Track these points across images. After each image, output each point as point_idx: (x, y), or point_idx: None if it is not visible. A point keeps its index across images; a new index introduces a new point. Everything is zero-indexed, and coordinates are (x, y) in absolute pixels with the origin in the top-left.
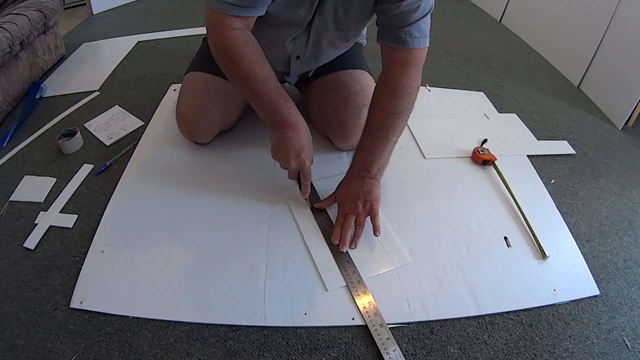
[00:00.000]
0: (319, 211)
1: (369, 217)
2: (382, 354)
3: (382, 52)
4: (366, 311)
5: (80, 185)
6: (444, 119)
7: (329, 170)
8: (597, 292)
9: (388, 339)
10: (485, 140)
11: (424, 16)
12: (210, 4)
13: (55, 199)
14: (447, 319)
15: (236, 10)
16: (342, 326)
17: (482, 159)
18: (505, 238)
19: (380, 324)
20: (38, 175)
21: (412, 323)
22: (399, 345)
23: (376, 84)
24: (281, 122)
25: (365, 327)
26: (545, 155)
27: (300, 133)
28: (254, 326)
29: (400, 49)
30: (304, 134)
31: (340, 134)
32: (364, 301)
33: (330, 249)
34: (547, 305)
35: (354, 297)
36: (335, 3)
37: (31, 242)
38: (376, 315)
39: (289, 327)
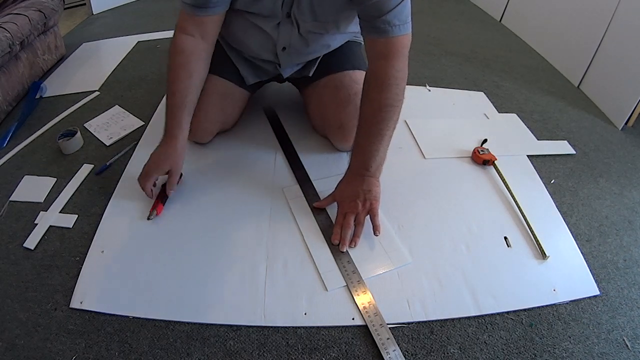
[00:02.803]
0: (319, 211)
1: (368, 216)
2: (382, 354)
3: (365, 45)
4: (366, 311)
5: (80, 185)
6: (444, 119)
7: (329, 171)
8: (597, 292)
9: (388, 339)
10: (485, 140)
11: (400, 2)
12: (181, 6)
13: (55, 199)
14: (447, 319)
15: (191, 9)
16: (342, 326)
17: (482, 159)
18: (505, 238)
19: (380, 324)
20: (38, 175)
21: (412, 323)
22: (399, 345)
23: (364, 79)
24: (166, 130)
25: (365, 327)
26: (545, 155)
27: (171, 146)
28: (254, 326)
29: (381, 39)
30: (169, 150)
31: (339, 134)
32: (364, 301)
33: (330, 248)
34: (547, 305)
35: (354, 297)
36: None
37: (31, 242)
38: (376, 315)
39: (289, 327)
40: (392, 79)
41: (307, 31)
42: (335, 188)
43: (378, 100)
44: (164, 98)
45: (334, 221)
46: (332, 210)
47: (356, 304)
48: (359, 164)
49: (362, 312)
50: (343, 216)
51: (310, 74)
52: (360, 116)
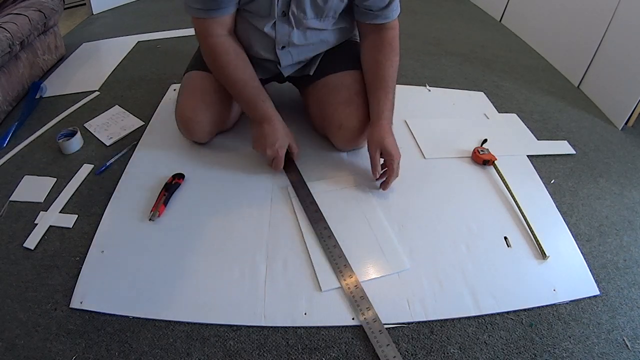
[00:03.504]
0: (312, 210)
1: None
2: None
3: (363, 25)
4: (364, 318)
5: (80, 185)
6: (444, 119)
7: (329, 171)
8: (597, 292)
9: (388, 345)
10: (485, 140)
11: None
12: (188, 12)
13: (55, 199)
14: (447, 319)
15: (205, 13)
16: (342, 326)
17: (482, 159)
18: (505, 238)
19: (380, 330)
20: (38, 175)
21: (412, 323)
22: (398, 345)
23: (374, 48)
24: (259, 117)
25: None
26: (545, 155)
27: (275, 126)
28: (254, 326)
29: (389, 22)
30: (279, 127)
31: (340, 135)
32: (362, 307)
33: (325, 250)
34: (547, 305)
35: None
36: None
37: (31, 242)
38: (375, 321)
39: (289, 327)
40: (398, 45)
41: (306, 28)
42: (376, 140)
43: (397, 62)
44: (164, 97)
45: (325, 216)
46: (326, 208)
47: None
48: (388, 118)
49: (361, 320)
50: (396, 164)
51: (311, 73)
52: (383, 78)
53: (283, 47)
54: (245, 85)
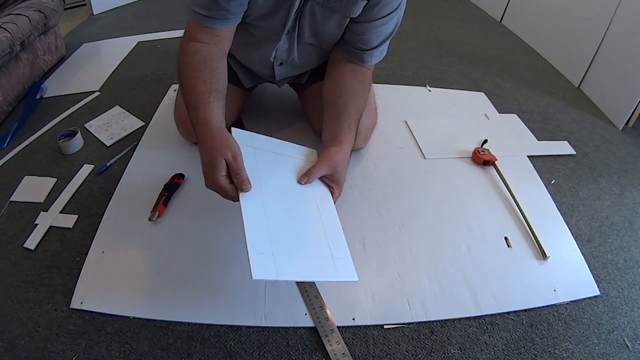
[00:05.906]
0: None
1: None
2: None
3: (339, 58)
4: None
5: (80, 186)
6: (444, 119)
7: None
8: (598, 293)
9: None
10: (485, 141)
11: (387, 39)
12: (190, 16)
13: (56, 199)
14: (447, 319)
15: (204, 20)
16: (343, 326)
17: (482, 159)
18: (506, 238)
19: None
20: (38, 176)
21: (412, 323)
22: (399, 345)
23: (352, 77)
24: (199, 122)
25: (365, 327)
26: (545, 155)
27: (207, 134)
28: (255, 326)
29: (367, 66)
30: (222, 133)
31: None
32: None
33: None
34: (547, 306)
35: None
36: (313, 13)
37: (31, 243)
38: (332, 331)
39: (290, 327)
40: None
41: (305, 44)
42: (333, 162)
43: (364, 106)
44: (164, 98)
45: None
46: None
47: (357, 303)
48: (351, 145)
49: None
50: (336, 197)
51: (304, 82)
52: (357, 107)
53: (281, 64)
54: (195, 85)
